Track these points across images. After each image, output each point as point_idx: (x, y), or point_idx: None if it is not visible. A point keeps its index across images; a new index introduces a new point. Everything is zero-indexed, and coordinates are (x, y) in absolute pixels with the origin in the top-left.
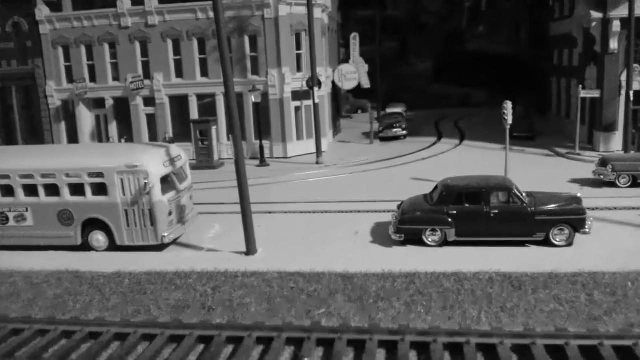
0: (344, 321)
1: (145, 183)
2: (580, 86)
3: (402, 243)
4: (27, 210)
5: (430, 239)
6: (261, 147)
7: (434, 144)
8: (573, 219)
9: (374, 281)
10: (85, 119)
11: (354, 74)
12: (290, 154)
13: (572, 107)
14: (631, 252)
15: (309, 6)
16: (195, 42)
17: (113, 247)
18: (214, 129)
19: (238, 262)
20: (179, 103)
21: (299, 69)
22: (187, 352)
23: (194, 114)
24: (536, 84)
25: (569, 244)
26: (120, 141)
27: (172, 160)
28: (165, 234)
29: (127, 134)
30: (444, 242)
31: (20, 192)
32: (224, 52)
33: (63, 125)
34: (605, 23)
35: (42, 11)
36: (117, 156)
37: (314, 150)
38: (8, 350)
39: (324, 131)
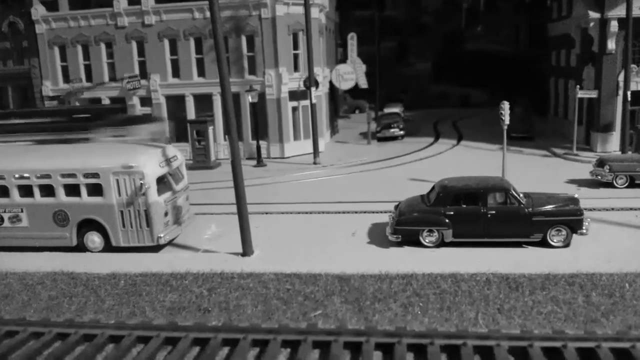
0: (340, 323)
1: (141, 184)
2: (578, 86)
3: (399, 244)
4: (22, 211)
5: (427, 240)
6: (258, 148)
7: (431, 144)
8: (570, 219)
9: (371, 282)
10: None
11: (352, 74)
12: (287, 154)
13: (570, 107)
14: (629, 253)
15: (306, 6)
16: (192, 42)
17: (108, 248)
18: (210, 129)
19: (234, 263)
20: (176, 103)
21: (296, 69)
22: (182, 354)
23: (191, 114)
24: (535, 84)
25: (567, 244)
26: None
27: (168, 161)
28: (161, 235)
29: None
30: (441, 243)
31: (15, 193)
32: (220, 52)
33: None
34: (603, 23)
35: (38, 10)
36: (112, 156)
37: (311, 150)
38: (1, 352)
39: (321, 131)
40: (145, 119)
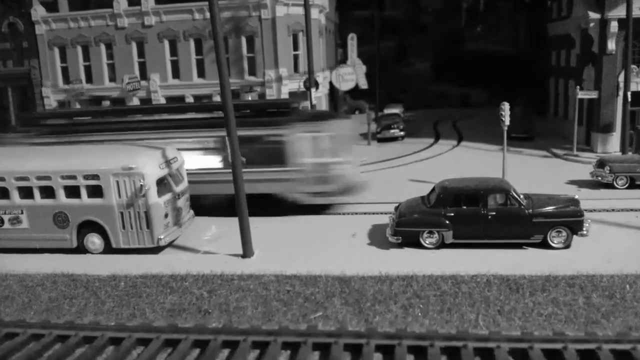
0: (340, 325)
1: (141, 185)
2: (578, 87)
3: (400, 245)
4: (22, 212)
5: (427, 241)
6: None
7: (431, 145)
8: (571, 220)
9: (371, 284)
10: None
11: (352, 74)
12: None
13: (570, 107)
14: (629, 254)
15: (306, 7)
16: (192, 43)
17: (109, 249)
18: None
19: (234, 265)
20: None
21: (296, 69)
22: (182, 356)
23: None
24: (535, 85)
25: (567, 246)
26: None
27: (168, 162)
28: (161, 237)
29: None
30: (442, 244)
31: (15, 195)
32: (220, 52)
33: None
34: (603, 24)
35: (38, 11)
36: (112, 158)
37: None
38: (1, 354)
39: None
40: (333, 115)
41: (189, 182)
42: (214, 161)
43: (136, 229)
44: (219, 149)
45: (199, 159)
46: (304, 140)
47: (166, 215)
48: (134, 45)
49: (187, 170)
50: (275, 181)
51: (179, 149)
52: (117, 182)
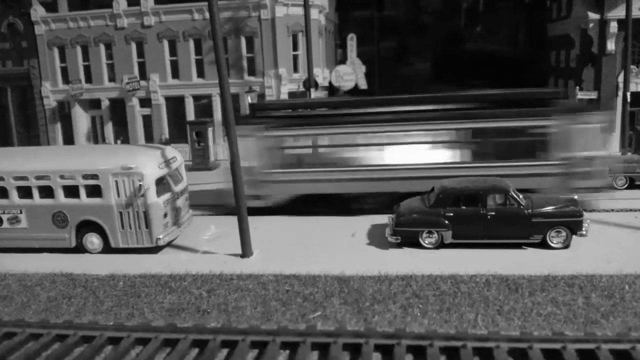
0: (339, 324)
1: (140, 185)
2: (578, 87)
3: (399, 245)
4: (21, 212)
5: (426, 241)
6: None
7: None
8: (570, 221)
9: (370, 284)
10: (81, 120)
11: (351, 75)
12: None
13: None
14: (628, 254)
15: (306, 7)
16: (191, 43)
17: (107, 249)
18: (210, 130)
19: (233, 265)
20: (175, 104)
21: (295, 69)
22: (181, 356)
23: (190, 115)
24: (535, 85)
25: (566, 246)
26: (115, 142)
27: (167, 162)
28: (160, 236)
29: (122, 135)
30: (441, 244)
31: (14, 194)
32: (219, 52)
33: (58, 126)
34: (603, 24)
35: (38, 11)
36: (111, 158)
37: None
38: (0, 354)
39: None
40: (593, 106)
41: (431, 177)
42: (461, 155)
43: (135, 228)
44: (463, 142)
45: (442, 153)
46: (575, 132)
47: (165, 215)
48: (133, 45)
49: (430, 165)
50: (536, 176)
51: (416, 142)
52: (116, 182)
